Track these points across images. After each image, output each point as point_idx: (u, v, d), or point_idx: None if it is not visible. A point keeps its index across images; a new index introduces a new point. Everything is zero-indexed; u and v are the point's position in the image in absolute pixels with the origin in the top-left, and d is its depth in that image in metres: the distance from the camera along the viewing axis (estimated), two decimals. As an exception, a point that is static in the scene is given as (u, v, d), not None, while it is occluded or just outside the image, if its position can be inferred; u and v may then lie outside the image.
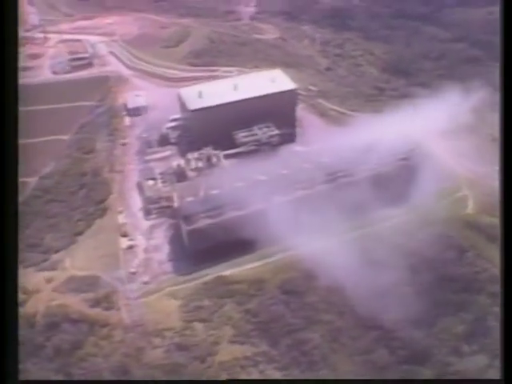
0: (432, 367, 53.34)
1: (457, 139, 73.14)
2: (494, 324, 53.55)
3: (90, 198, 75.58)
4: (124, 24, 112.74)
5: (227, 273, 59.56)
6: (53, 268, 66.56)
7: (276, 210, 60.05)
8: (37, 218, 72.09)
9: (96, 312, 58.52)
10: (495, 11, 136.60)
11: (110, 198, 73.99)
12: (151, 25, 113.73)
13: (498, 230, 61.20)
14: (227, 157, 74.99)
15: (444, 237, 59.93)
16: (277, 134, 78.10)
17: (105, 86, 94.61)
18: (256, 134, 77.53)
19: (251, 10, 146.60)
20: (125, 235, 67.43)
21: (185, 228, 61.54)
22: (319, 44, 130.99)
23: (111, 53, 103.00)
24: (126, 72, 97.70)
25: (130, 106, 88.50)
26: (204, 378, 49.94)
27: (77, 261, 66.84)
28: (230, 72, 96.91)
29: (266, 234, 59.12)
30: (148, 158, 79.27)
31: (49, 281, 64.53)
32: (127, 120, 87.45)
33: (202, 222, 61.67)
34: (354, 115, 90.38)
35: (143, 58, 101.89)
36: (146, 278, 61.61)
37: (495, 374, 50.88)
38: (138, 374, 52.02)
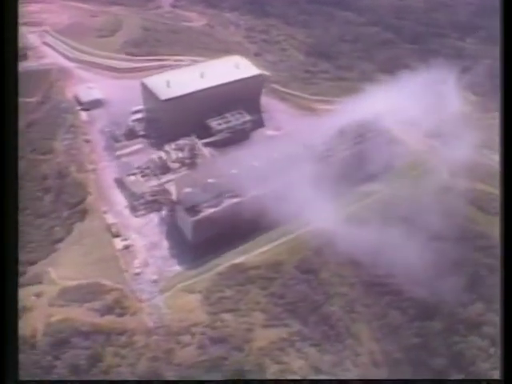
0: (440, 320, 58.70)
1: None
2: (487, 274, 60.27)
3: (61, 201, 69.69)
4: (51, 13, 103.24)
5: (241, 260, 59.26)
6: (36, 281, 60.98)
7: (274, 193, 60.90)
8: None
9: (109, 320, 54.83)
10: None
11: (88, 199, 68.86)
12: (81, 14, 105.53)
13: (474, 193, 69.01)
14: (206, 145, 73.73)
15: (431, 203, 65.34)
16: (249, 120, 78.37)
17: (46, 79, 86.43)
18: (230, 121, 76.97)
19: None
20: (117, 235, 63.52)
21: (190, 219, 59.80)
22: (244, 30, 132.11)
23: (45, 43, 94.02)
24: (67, 64, 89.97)
25: (85, 99, 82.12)
26: (247, 368, 49.83)
27: (65, 270, 61.74)
28: (182, 61, 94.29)
29: (268, 218, 60.04)
30: (119, 153, 74.75)
31: (38, 296, 59.04)
32: (84, 115, 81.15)
33: (206, 212, 60.55)
34: (310, 98, 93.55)
35: (82, 49, 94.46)
36: (153, 277, 58.96)
37: (494, 317, 57.65)
38: (172, 376, 50.34)
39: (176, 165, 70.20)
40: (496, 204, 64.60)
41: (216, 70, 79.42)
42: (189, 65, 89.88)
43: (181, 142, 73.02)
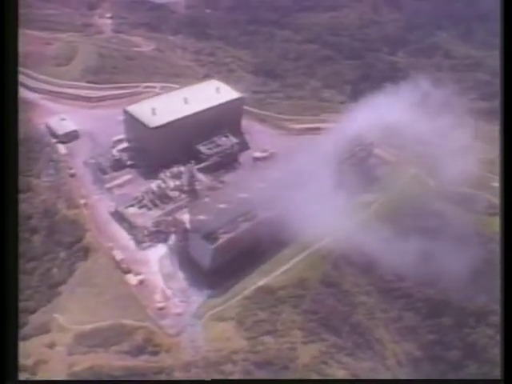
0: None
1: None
2: (488, 269, 65.06)
3: (53, 241, 65.61)
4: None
5: (266, 281, 59.74)
6: (44, 331, 57.02)
7: (285, 211, 62.36)
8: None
9: (143, 360, 52.78)
10: (338, 15, 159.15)
11: (87, 236, 65.62)
12: (34, 42, 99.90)
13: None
14: (200, 171, 73.34)
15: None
16: (236, 143, 79.29)
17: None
18: (220, 145, 77.38)
19: (108, 21, 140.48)
20: (128, 271, 61.26)
21: (209, 247, 59.23)
22: (192, 53, 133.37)
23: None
24: (30, 95, 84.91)
25: (60, 131, 78.17)
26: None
27: (75, 314, 58.33)
28: (153, 87, 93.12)
29: (284, 236, 61.47)
30: (109, 185, 72.02)
31: (51, 346, 55.26)
32: (62, 148, 77.16)
33: (224, 237, 60.42)
34: (283, 118, 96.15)
35: (42, 79, 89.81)
36: (177, 310, 57.63)
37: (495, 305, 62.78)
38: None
39: (175, 193, 69.22)
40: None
41: (198, 95, 79.51)
42: (161, 92, 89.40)
43: (175, 169, 72.18)
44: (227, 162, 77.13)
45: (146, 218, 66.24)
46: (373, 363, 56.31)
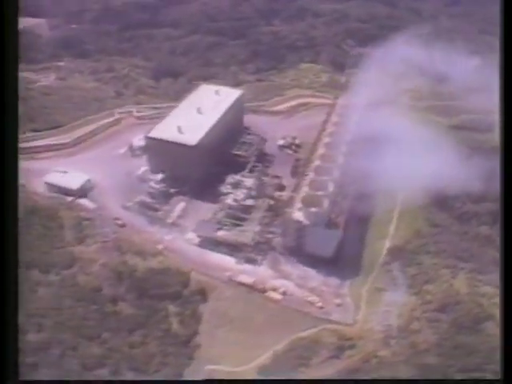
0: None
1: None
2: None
3: (153, 299, 57.44)
4: None
5: (390, 243, 63.33)
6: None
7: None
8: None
9: (348, 355, 52.86)
10: (209, 2, 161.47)
11: (191, 277, 59.59)
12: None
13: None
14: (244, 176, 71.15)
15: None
16: (258, 137, 78.63)
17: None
18: (251, 143, 76.11)
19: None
20: (265, 290, 58.44)
21: (336, 234, 60.26)
22: (90, 74, 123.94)
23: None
24: None
25: (73, 186, 68.70)
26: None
27: (233, 355, 52.92)
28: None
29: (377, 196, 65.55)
30: (170, 220, 65.84)
31: None
32: (87, 202, 68.01)
33: (341, 221, 62.07)
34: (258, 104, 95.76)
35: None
36: (337, 300, 57.55)
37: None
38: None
39: (250, 201, 66.85)
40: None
41: (206, 102, 75.76)
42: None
43: (230, 179, 69.11)
44: (260, 157, 76.41)
45: (248, 235, 62.90)
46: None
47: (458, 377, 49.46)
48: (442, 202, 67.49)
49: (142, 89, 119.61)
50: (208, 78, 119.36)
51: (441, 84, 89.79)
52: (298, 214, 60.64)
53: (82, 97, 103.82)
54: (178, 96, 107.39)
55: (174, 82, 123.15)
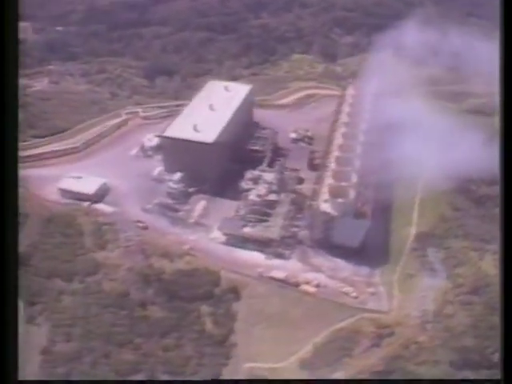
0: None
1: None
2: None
3: (184, 300, 56.90)
4: None
5: (415, 230, 63.81)
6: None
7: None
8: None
9: (389, 342, 53.06)
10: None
11: (221, 275, 58.96)
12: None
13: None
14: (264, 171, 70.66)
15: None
16: (272, 131, 78.21)
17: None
18: (266, 138, 75.57)
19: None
20: (298, 284, 58.32)
21: (365, 224, 60.47)
22: (82, 77, 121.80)
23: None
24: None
25: (90, 191, 67.20)
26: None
27: (269, 350, 52.74)
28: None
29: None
30: (193, 220, 65.06)
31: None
32: (105, 207, 66.76)
33: (368, 210, 62.38)
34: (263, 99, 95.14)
35: None
36: (371, 289, 57.75)
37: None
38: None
39: (273, 196, 66.44)
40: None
41: (217, 100, 74.85)
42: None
43: (249, 175, 68.53)
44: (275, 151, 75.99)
45: (275, 230, 62.50)
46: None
47: (495, 359, 49.76)
48: (462, 186, 68.20)
49: (136, 89, 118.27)
50: (203, 75, 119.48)
51: (452, 70, 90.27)
52: (325, 206, 60.42)
53: (78, 100, 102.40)
54: (177, 94, 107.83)
55: (169, 80, 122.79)
